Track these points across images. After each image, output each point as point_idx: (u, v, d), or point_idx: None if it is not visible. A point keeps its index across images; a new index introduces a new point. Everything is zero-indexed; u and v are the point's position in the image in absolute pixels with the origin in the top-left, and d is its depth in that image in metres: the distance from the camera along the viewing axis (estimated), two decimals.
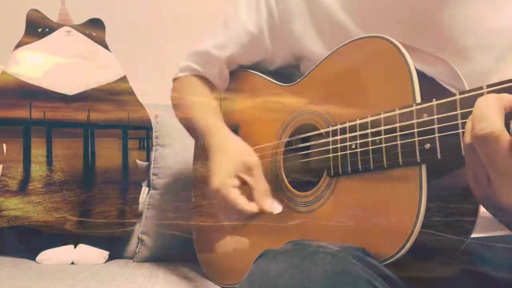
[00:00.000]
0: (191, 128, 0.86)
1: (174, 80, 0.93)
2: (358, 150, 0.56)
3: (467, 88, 0.52)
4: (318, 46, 0.74)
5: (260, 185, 0.67)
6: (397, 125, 0.50)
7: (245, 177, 0.67)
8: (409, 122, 0.49)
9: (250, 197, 0.66)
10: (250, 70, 0.86)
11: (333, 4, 0.71)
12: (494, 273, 0.55)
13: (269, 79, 0.80)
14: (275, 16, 0.80)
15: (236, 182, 0.67)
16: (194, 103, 0.86)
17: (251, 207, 0.64)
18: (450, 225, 0.50)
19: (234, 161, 0.69)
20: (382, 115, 0.52)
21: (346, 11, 0.70)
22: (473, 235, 0.53)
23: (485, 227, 0.59)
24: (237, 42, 0.84)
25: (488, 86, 0.41)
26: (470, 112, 0.40)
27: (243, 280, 0.51)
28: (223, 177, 0.68)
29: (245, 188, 0.67)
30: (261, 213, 0.64)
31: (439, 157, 0.45)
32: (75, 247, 1.10)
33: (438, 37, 0.63)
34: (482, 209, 0.51)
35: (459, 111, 0.44)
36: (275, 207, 0.64)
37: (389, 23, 0.65)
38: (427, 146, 0.46)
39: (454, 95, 0.45)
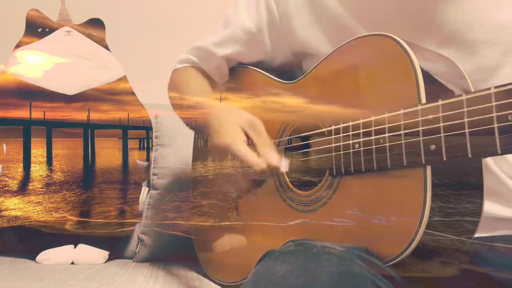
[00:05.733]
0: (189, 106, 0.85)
1: (173, 72, 0.93)
2: (361, 149, 0.55)
3: (470, 85, 0.52)
4: (322, 43, 0.74)
5: (265, 140, 0.67)
6: (402, 124, 0.50)
7: (250, 132, 0.67)
8: (413, 123, 0.49)
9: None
10: (250, 67, 0.86)
11: (332, 2, 0.71)
12: (494, 273, 0.55)
13: (270, 76, 0.80)
14: (275, 17, 0.80)
15: (244, 136, 0.67)
16: (192, 86, 0.87)
17: (260, 162, 0.63)
18: (452, 225, 0.51)
19: (239, 117, 0.69)
20: (386, 115, 0.52)
21: (345, 9, 0.69)
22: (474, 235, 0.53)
23: (485, 227, 0.59)
24: (236, 41, 0.84)
25: (496, 87, 0.41)
26: (476, 113, 0.40)
27: (247, 281, 0.51)
28: (231, 132, 0.67)
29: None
30: (269, 171, 0.64)
31: (444, 158, 0.45)
32: (75, 247, 1.10)
33: (444, 31, 0.62)
34: (484, 209, 0.51)
35: (465, 112, 0.44)
36: (282, 163, 0.65)
37: (391, 19, 0.65)
38: (432, 147, 0.46)
39: (459, 95, 0.44)
